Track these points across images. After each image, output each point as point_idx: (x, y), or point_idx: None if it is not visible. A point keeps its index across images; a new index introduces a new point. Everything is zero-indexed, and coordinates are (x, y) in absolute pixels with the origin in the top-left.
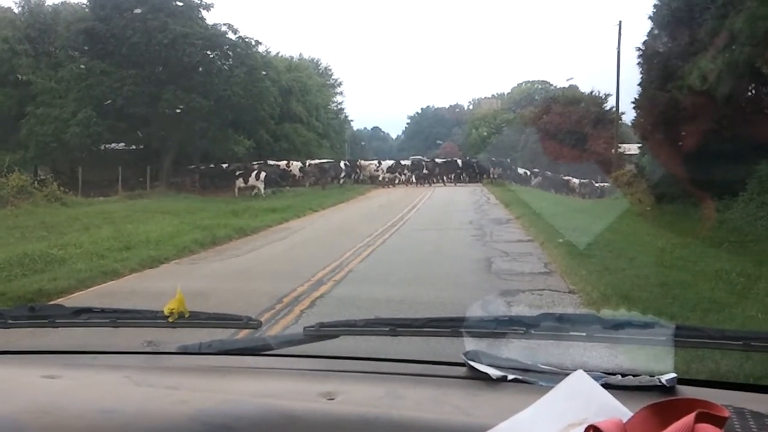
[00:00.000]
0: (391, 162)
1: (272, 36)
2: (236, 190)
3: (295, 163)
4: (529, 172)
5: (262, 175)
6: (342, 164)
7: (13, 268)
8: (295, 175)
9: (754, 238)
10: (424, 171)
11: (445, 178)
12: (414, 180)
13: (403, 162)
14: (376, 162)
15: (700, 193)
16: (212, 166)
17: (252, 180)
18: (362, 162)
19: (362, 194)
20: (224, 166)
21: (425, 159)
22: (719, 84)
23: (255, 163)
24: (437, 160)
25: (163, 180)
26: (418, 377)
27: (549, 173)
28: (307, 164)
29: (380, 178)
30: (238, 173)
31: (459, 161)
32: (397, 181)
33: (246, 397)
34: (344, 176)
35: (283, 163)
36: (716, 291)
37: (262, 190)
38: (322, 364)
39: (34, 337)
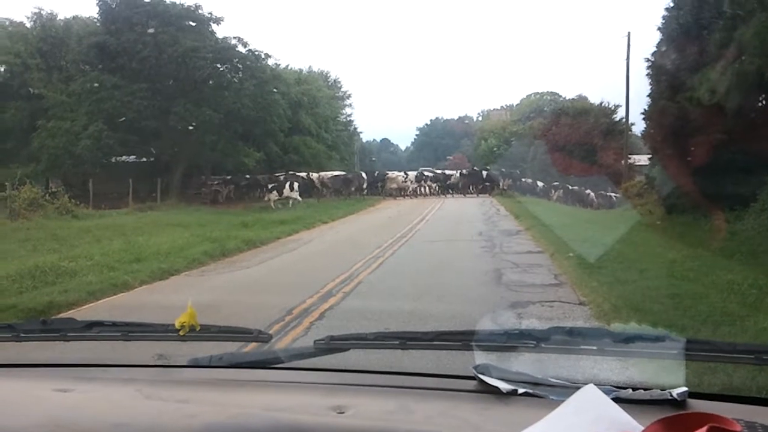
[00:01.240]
0: (415, 173)
1: (282, 49)
2: (272, 203)
3: (315, 174)
4: (544, 185)
5: (296, 185)
6: (364, 175)
7: (25, 280)
8: (316, 187)
9: (766, 249)
10: (449, 182)
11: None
12: (428, 191)
13: (426, 173)
14: (403, 174)
15: (710, 204)
16: (248, 177)
17: (287, 191)
18: (391, 174)
19: (372, 206)
20: (257, 177)
21: (436, 170)
22: (729, 96)
23: (279, 174)
24: (463, 171)
25: (173, 192)
26: (428, 391)
27: (569, 186)
28: (330, 175)
29: (409, 189)
30: (271, 186)
31: (484, 172)
32: (424, 192)
33: (256, 410)
34: (366, 187)
35: (303, 174)
36: (728, 303)
37: (297, 199)
38: (332, 378)
39: (46, 350)
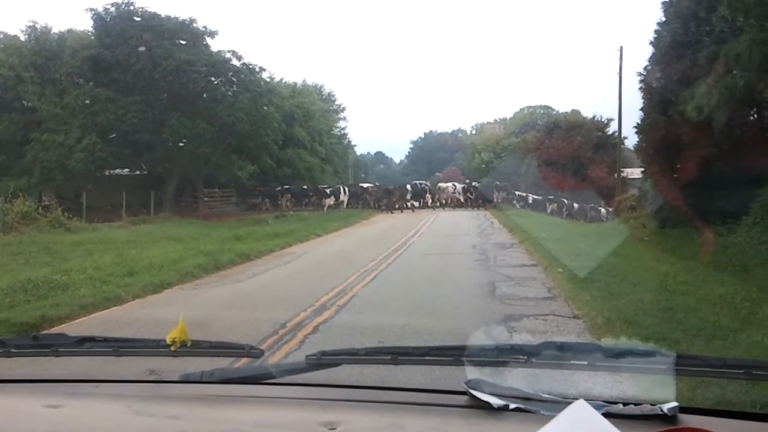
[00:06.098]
0: (462, 185)
1: (276, 62)
2: (326, 208)
3: (363, 185)
4: (538, 198)
5: (347, 190)
6: (408, 186)
7: (17, 294)
8: (365, 195)
9: (759, 263)
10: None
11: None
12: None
13: (474, 184)
14: (452, 185)
15: (703, 217)
16: (305, 187)
17: (341, 196)
18: (442, 185)
19: (365, 219)
20: (308, 187)
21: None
22: (719, 110)
23: (324, 186)
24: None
25: (166, 205)
26: (419, 406)
27: (564, 200)
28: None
29: (457, 199)
30: (329, 191)
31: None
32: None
33: (248, 426)
34: (410, 197)
35: (363, 185)
36: (720, 316)
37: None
38: (324, 393)
39: (37, 365)
